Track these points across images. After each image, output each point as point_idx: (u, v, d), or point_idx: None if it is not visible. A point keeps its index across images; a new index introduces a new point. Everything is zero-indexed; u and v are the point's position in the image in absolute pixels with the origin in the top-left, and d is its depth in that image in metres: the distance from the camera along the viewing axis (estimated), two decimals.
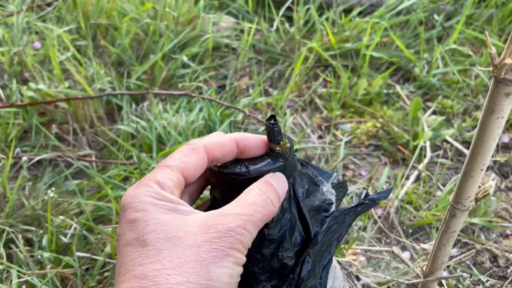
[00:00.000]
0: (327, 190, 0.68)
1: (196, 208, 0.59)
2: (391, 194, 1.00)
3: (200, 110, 1.18)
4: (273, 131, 0.57)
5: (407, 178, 1.09)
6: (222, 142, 0.55)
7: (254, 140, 0.58)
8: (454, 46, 1.39)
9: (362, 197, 0.72)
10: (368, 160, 1.17)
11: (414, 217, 0.99)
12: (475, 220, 0.96)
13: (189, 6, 1.49)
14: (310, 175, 0.68)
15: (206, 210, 0.57)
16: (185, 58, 1.35)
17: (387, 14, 1.47)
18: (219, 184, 0.59)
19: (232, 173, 0.57)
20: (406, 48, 1.39)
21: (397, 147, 1.17)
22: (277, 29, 1.54)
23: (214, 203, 0.63)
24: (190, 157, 0.52)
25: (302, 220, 0.64)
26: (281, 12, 1.56)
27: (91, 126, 1.22)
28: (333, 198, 0.68)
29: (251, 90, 1.38)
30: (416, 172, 1.07)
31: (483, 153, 0.52)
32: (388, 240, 0.96)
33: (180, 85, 1.31)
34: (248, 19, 1.58)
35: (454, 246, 0.96)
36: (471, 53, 1.41)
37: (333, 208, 0.67)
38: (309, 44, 1.39)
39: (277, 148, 0.59)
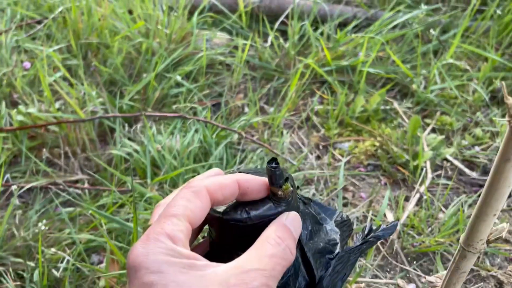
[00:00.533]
0: (331, 229, 0.66)
1: (193, 249, 0.57)
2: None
3: (196, 131, 1.16)
4: (274, 175, 0.54)
5: (407, 200, 1.07)
6: (224, 184, 0.52)
7: (256, 182, 0.55)
8: (451, 60, 1.37)
9: (366, 232, 0.70)
10: (367, 181, 1.15)
11: (418, 243, 0.97)
12: None
13: (181, 23, 1.47)
14: (313, 214, 0.66)
15: (205, 254, 0.54)
16: (178, 78, 1.32)
17: (383, 28, 1.45)
18: (219, 229, 0.57)
19: (233, 219, 0.54)
20: (402, 63, 1.37)
21: (396, 167, 1.15)
22: (272, 44, 1.52)
23: (216, 248, 0.61)
24: (195, 203, 0.49)
25: (306, 264, 0.61)
26: (275, 27, 1.54)
27: (83, 150, 1.18)
28: (338, 238, 0.65)
29: (246, 108, 1.35)
30: (417, 195, 1.05)
31: (497, 199, 0.49)
32: (390, 267, 0.94)
33: (174, 106, 1.29)
34: (242, 35, 1.55)
35: None
36: (468, 67, 1.39)
37: (337, 249, 0.65)
38: (305, 61, 1.37)
39: (279, 193, 0.56)
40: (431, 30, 1.43)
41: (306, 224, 0.61)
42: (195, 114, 1.27)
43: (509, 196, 1.11)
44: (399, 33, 1.44)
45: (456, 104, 1.30)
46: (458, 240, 0.97)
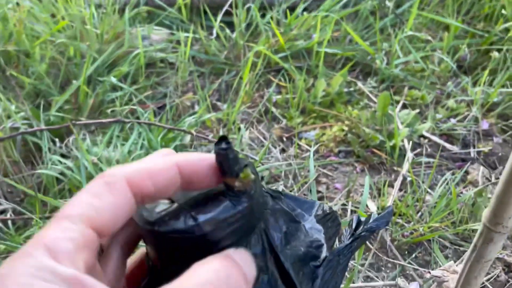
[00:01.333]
0: (311, 226, 0.51)
1: (131, 275, 0.41)
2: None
3: (139, 136, 0.99)
4: (226, 160, 0.39)
5: (390, 186, 0.94)
6: (155, 170, 0.36)
7: (206, 163, 0.39)
8: (410, 32, 1.27)
9: (354, 226, 0.56)
10: (341, 169, 1.01)
11: (408, 233, 0.84)
12: (476, 226, 0.82)
13: (113, 21, 1.30)
14: (287, 210, 0.51)
15: (144, 284, 0.37)
16: (113, 80, 1.15)
17: (335, 6, 1.34)
18: (155, 246, 0.41)
19: (173, 230, 0.38)
20: (361, 40, 1.26)
21: (371, 150, 1.03)
22: (218, 36, 1.37)
23: (156, 275, 0.45)
24: (103, 199, 0.32)
25: (285, 278, 0.46)
26: (219, 17, 1.39)
27: (5, 175, 0.99)
28: (322, 237, 0.50)
29: (197, 107, 1.20)
30: (399, 177, 0.92)
31: None
32: (382, 264, 0.80)
33: (109, 110, 1.11)
34: (183, 29, 1.40)
35: (459, 259, 0.81)
36: (429, 38, 1.29)
37: (324, 252, 0.50)
38: (256, 48, 1.23)
39: (236, 184, 0.41)
40: (387, 2, 1.32)
41: (279, 224, 0.46)
42: (137, 118, 1.10)
43: (495, 167, 1.00)
44: (352, 9, 1.33)
45: (425, 77, 1.20)
46: (453, 223, 0.85)
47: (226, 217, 0.39)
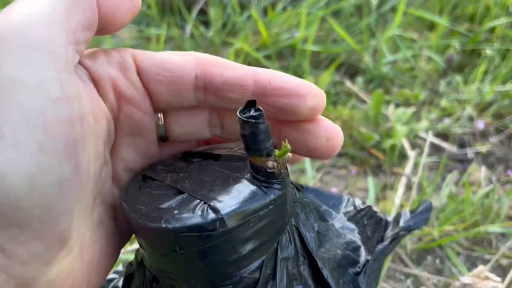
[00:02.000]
0: (342, 225, 0.41)
1: None
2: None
3: None
4: (257, 132, 0.30)
5: (392, 188, 0.86)
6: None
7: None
8: (397, 32, 1.21)
9: (391, 226, 0.47)
10: (334, 173, 0.93)
11: (416, 239, 0.76)
12: (492, 228, 0.75)
13: None
14: (316, 206, 0.41)
15: None
16: None
17: (318, 4, 1.27)
18: (157, 248, 0.31)
19: (186, 227, 0.29)
20: (347, 37, 1.19)
21: (367, 151, 0.95)
22: (192, 35, 1.27)
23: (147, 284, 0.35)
24: None
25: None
26: (193, 14, 1.30)
27: None
28: (357, 238, 0.41)
29: None
30: (403, 179, 0.85)
31: None
32: (392, 274, 0.72)
33: None
34: (155, 26, 1.29)
35: (473, 265, 0.74)
36: (415, 37, 1.25)
37: (362, 255, 0.40)
38: (236, 45, 1.14)
39: (270, 164, 0.31)
40: (371, 0, 1.27)
41: (311, 221, 0.37)
42: None
43: (494, 167, 0.95)
44: (336, 6, 1.27)
45: (414, 76, 1.14)
46: (465, 229, 0.77)
47: (256, 209, 0.30)
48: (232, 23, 1.28)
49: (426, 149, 0.88)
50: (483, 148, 0.99)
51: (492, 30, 1.22)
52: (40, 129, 0.23)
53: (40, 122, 0.23)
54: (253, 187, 0.31)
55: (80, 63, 0.30)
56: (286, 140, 0.30)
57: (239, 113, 0.30)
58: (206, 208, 0.30)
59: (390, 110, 0.99)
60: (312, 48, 1.16)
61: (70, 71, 0.27)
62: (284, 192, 0.32)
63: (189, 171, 0.36)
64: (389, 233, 0.47)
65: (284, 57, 1.21)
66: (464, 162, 0.96)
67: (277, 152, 0.30)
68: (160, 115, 0.35)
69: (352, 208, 0.43)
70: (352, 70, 1.21)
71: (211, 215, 0.29)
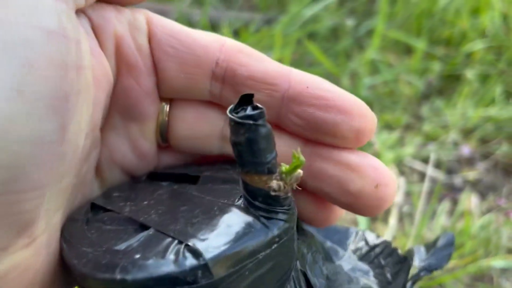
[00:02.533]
0: (353, 267, 0.32)
1: None
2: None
3: None
4: (256, 138, 0.20)
5: (380, 220, 0.78)
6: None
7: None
8: (374, 54, 1.17)
9: (414, 268, 0.38)
10: None
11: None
12: (495, 262, 0.67)
13: None
14: (320, 242, 0.33)
15: None
16: None
17: (293, 25, 1.21)
18: None
19: (154, 278, 0.18)
20: (321, 62, 1.14)
21: None
22: None
23: None
24: None
25: None
26: None
27: None
28: (373, 283, 0.32)
29: None
30: (394, 209, 0.77)
31: None
32: None
33: None
34: None
35: None
36: (392, 61, 1.20)
37: None
38: None
39: (274, 185, 0.22)
40: (347, 22, 1.23)
41: (319, 264, 0.27)
42: None
43: (486, 194, 0.89)
44: (311, 28, 1.22)
45: (395, 101, 1.09)
46: (466, 264, 0.70)
47: (254, 250, 0.20)
48: None
49: (427, 180, 0.81)
50: (470, 175, 0.93)
51: (469, 54, 1.20)
52: (22, 62, 0.18)
53: (23, 53, 0.18)
54: (248, 218, 0.22)
55: (83, 11, 0.25)
56: (299, 149, 0.21)
57: (230, 112, 0.21)
58: (182, 250, 0.20)
59: (374, 136, 0.93)
60: None
61: (71, 8, 0.21)
62: (292, 225, 0.23)
63: (156, 198, 0.26)
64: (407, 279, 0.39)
65: None
66: (453, 190, 0.90)
67: (284, 167, 0.21)
68: (166, 107, 0.28)
69: (363, 243, 0.34)
70: None
71: (190, 261, 0.20)
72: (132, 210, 0.25)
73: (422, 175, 0.92)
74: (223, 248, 0.20)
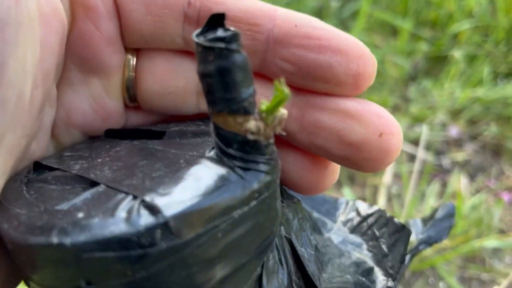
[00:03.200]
0: (344, 239, 0.29)
1: None
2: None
3: None
4: (229, 67, 0.15)
5: (366, 201, 0.75)
6: None
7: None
8: (360, 36, 1.14)
9: (411, 241, 0.35)
10: None
11: None
12: (487, 243, 0.65)
13: None
14: (308, 211, 0.29)
15: None
16: None
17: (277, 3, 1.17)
18: (47, 276, 0.15)
19: (99, 242, 0.13)
20: None
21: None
22: None
23: None
24: None
25: None
26: None
27: None
28: (366, 256, 0.28)
29: None
30: (382, 191, 0.74)
31: None
32: None
33: None
34: None
35: (467, 286, 0.63)
36: (377, 42, 1.17)
37: (378, 281, 0.28)
38: None
39: (252, 126, 0.17)
40: (332, 2, 1.19)
41: (307, 232, 0.23)
42: None
43: (475, 176, 0.87)
44: (295, 7, 1.18)
45: (382, 82, 1.06)
46: (457, 245, 0.67)
47: (228, 206, 0.16)
48: None
49: (418, 161, 0.78)
50: (458, 156, 0.90)
51: (456, 35, 1.17)
52: None
53: None
54: (221, 170, 0.18)
55: None
56: (283, 79, 0.17)
57: (196, 36, 0.17)
58: (136, 206, 0.16)
59: None
60: None
61: None
62: (274, 178, 0.19)
63: (113, 155, 0.22)
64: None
65: None
66: (441, 171, 0.88)
67: (264, 105, 0.18)
68: (132, 61, 0.24)
69: (354, 214, 0.31)
70: None
71: (146, 219, 0.16)
72: (82, 167, 0.21)
73: (410, 157, 0.89)
74: (189, 203, 0.16)
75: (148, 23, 0.23)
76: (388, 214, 0.30)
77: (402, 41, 1.12)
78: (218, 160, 0.18)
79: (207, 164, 0.18)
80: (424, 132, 0.90)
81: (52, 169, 0.22)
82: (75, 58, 0.24)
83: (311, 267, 0.22)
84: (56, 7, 0.22)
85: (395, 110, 1.01)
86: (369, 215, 0.29)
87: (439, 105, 0.99)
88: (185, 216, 0.16)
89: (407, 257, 0.31)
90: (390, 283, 0.26)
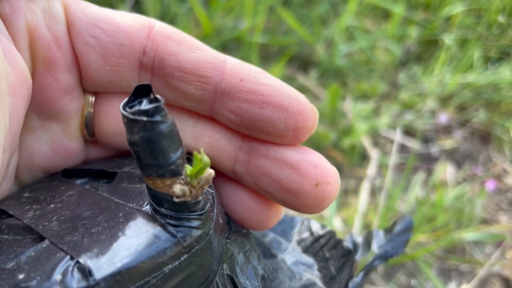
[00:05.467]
0: (296, 260, 0.30)
1: None
2: None
3: None
4: (154, 137, 0.16)
5: (353, 193, 0.77)
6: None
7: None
8: (351, 21, 1.13)
9: (360, 249, 0.36)
10: None
11: None
12: (467, 235, 0.66)
13: None
14: (258, 238, 0.30)
15: None
16: None
17: None
18: None
19: None
20: (297, 30, 1.09)
21: (324, 152, 0.85)
22: None
23: None
24: None
25: None
26: (128, 5, 1.16)
27: None
28: (316, 276, 0.30)
29: None
30: (365, 183, 0.75)
31: None
32: None
33: None
34: None
35: (446, 278, 0.65)
36: (369, 27, 1.16)
37: None
38: None
39: (177, 190, 0.18)
40: None
41: (253, 263, 0.24)
42: None
43: (462, 164, 0.87)
44: None
45: (371, 68, 1.06)
46: (438, 237, 0.69)
47: (157, 263, 0.17)
48: (171, 15, 1.15)
49: (394, 149, 0.79)
50: (447, 144, 0.91)
51: (448, 18, 1.16)
52: None
53: None
54: (153, 228, 0.19)
55: None
56: (202, 149, 0.18)
57: (123, 107, 0.18)
58: (71, 268, 0.18)
59: (348, 106, 0.90)
60: (260, 39, 1.05)
61: None
62: (206, 231, 0.20)
63: (65, 201, 0.23)
64: (359, 259, 0.37)
65: (230, 50, 1.10)
66: (428, 160, 0.88)
67: (189, 170, 0.19)
68: (91, 99, 0.25)
69: (308, 234, 0.32)
70: (304, 64, 1.11)
71: (78, 282, 0.17)
72: (34, 216, 0.22)
73: (398, 146, 0.90)
74: (118, 264, 0.17)
75: (106, 72, 0.24)
76: (337, 237, 0.31)
77: (393, 25, 1.11)
78: (151, 217, 0.19)
79: (141, 221, 0.19)
80: (409, 120, 0.91)
81: (8, 214, 0.23)
82: (35, 107, 0.24)
83: None
84: (21, 71, 0.22)
85: (383, 97, 1.01)
86: (321, 236, 0.31)
87: (429, 91, 0.99)
88: (114, 277, 0.17)
89: (362, 273, 0.32)
90: None
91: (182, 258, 0.19)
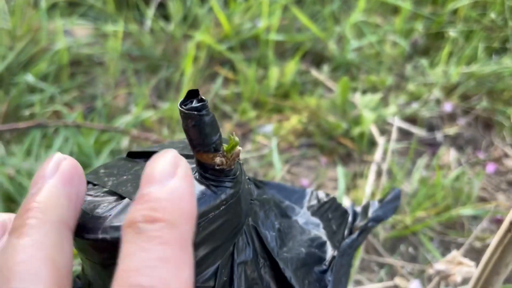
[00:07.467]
0: (306, 221, 0.39)
1: None
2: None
3: (66, 141, 0.82)
4: (201, 125, 0.27)
5: (362, 177, 0.84)
6: None
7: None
8: (361, 17, 1.20)
9: (360, 217, 0.44)
10: (304, 164, 0.90)
11: (388, 227, 0.74)
12: (464, 211, 0.74)
13: (26, 12, 1.11)
14: (276, 202, 0.39)
15: None
16: (30, 79, 0.97)
17: None
18: (99, 262, 0.28)
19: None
20: (310, 27, 1.17)
21: (336, 140, 0.93)
22: (152, 30, 1.23)
23: None
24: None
25: None
26: (152, 8, 1.25)
27: None
28: (322, 233, 0.38)
29: (133, 108, 1.04)
30: (373, 167, 0.83)
31: None
32: (366, 265, 0.70)
33: (27, 112, 0.93)
34: (112, 22, 1.24)
35: (446, 250, 0.73)
36: (379, 22, 1.23)
37: (328, 251, 0.38)
38: (197, 37, 1.10)
39: (217, 160, 0.28)
40: None
41: (271, 220, 0.34)
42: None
43: (464, 149, 0.94)
44: None
45: (380, 62, 1.13)
46: (437, 214, 0.76)
47: (205, 211, 0.27)
48: (193, 15, 1.24)
49: (394, 134, 0.86)
50: (451, 130, 0.98)
51: (455, 11, 1.22)
52: None
53: None
54: (201, 187, 0.28)
55: None
56: (234, 133, 0.27)
57: (180, 105, 0.27)
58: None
59: (357, 97, 0.97)
60: (276, 37, 1.13)
61: None
62: (237, 190, 0.29)
63: (133, 174, 0.32)
64: (358, 224, 0.45)
65: (248, 48, 1.18)
66: (433, 145, 0.95)
67: (225, 146, 0.27)
68: None
69: (315, 201, 0.40)
70: (318, 59, 1.18)
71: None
72: (113, 184, 0.31)
73: (404, 133, 0.97)
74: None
75: None
76: (338, 201, 0.39)
77: (401, 19, 1.17)
78: (200, 180, 0.28)
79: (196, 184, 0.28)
80: (416, 109, 0.98)
81: (94, 184, 0.32)
82: None
83: (271, 244, 0.32)
84: None
85: (392, 88, 1.08)
86: (325, 202, 0.39)
87: (435, 81, 1.05)
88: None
89: (357, 232, 0.40)
90: (335, 253, 0.36)
91: (221, 208, 0.28)
